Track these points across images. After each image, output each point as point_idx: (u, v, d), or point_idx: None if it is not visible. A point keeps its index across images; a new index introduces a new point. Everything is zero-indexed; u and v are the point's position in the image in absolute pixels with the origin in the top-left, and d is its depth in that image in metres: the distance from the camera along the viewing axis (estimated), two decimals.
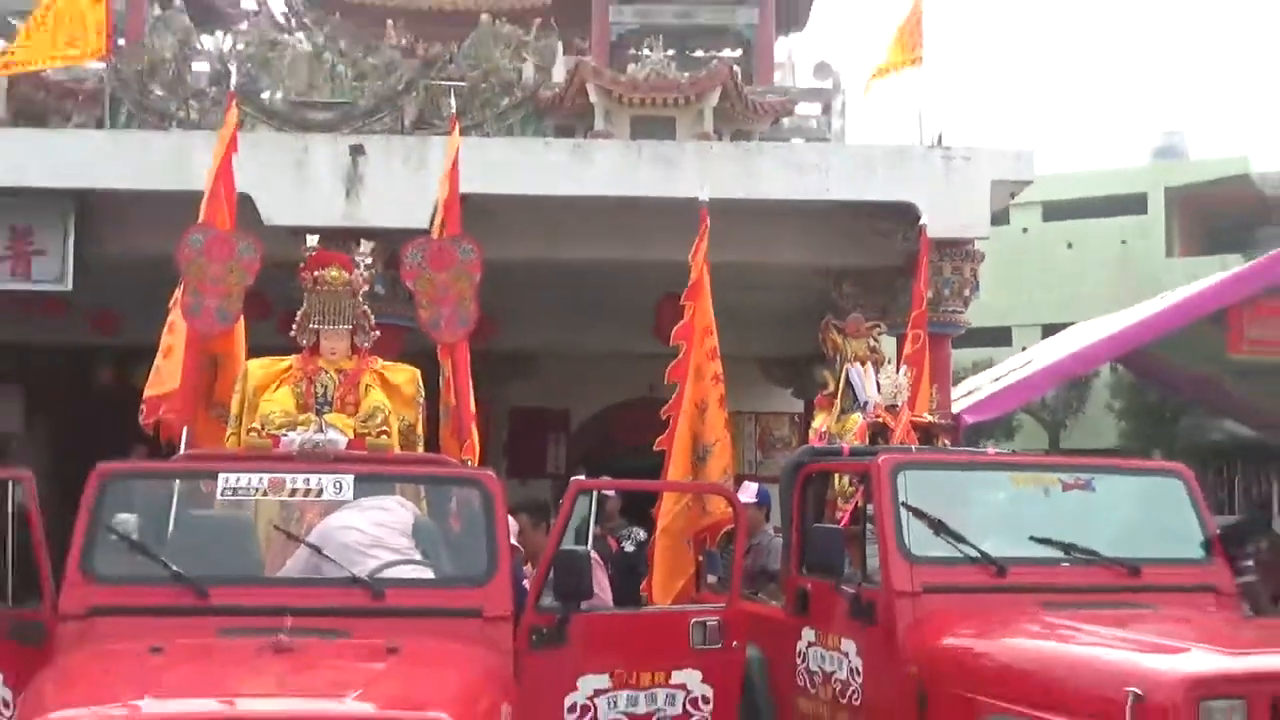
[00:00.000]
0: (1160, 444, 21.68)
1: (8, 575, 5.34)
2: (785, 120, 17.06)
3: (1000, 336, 27.56)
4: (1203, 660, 4.77)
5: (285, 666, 4.52)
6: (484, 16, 16.85)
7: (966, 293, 11.35)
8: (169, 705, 4.15)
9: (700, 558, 8.12)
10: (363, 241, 7.80)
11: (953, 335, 11.72)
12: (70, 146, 11.73)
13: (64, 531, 5.31)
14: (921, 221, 10.04)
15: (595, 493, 6.55)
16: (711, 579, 8.03)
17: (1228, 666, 4.73)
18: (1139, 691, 4.52)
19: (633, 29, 17.64)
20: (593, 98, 15.66)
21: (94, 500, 5.35)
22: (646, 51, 16.57)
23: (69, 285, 11.42)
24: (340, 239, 9.50)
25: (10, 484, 5.62)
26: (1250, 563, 8.97)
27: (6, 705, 5.25)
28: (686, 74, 16.12)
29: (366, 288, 7.39)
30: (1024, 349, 22.52)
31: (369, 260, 7.55)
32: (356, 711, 4.10)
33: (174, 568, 5.19)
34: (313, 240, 7.65)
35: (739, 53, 18.22)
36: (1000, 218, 14.74)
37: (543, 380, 16.98)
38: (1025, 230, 32.23)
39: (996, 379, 17.82)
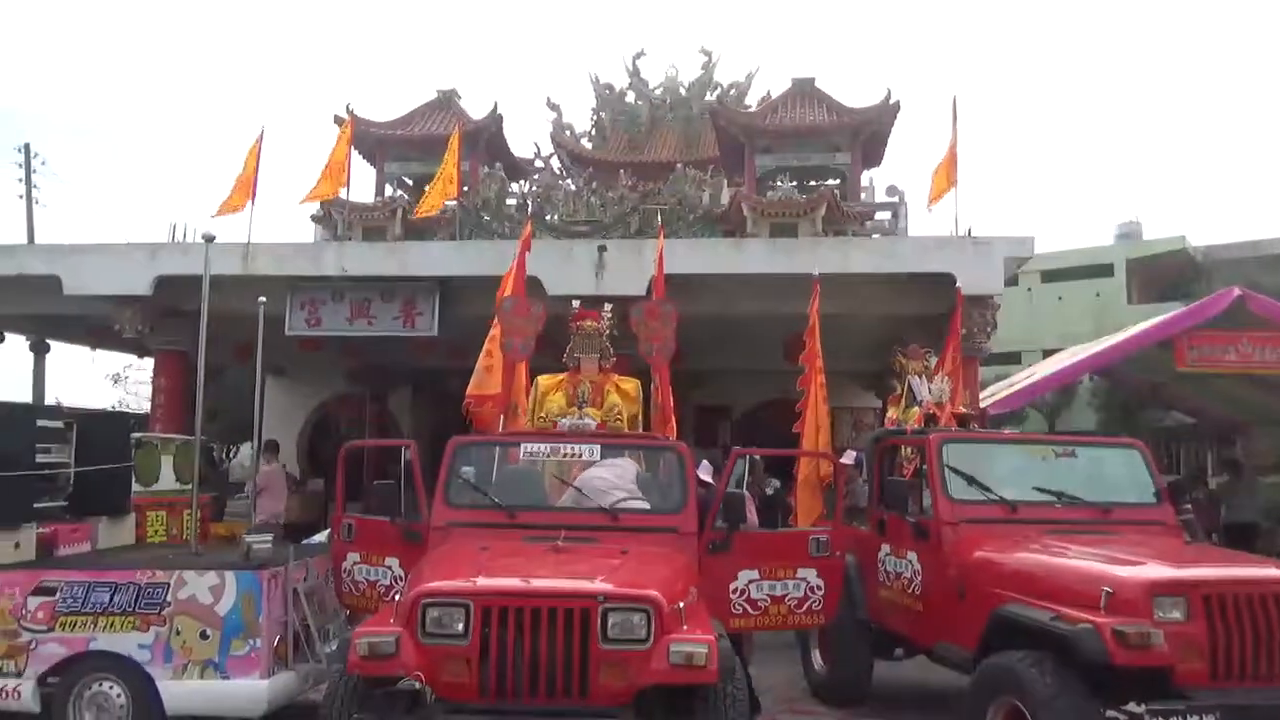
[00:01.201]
0: (1126, 428, 20.46)
1: (401, 502, 5.44)
2: (868, 223, 16.68)
3: (1013, 358, 26.41)
4: (1156, 570, 4.50)
5: (560, 559, 4.59)
6: (679, 166, 16.73)
7: (988, 330, 10.87)
8: (493, 580, 4.20)
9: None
10: (606, 304, 7.89)
11: (979, 358, 11.23)
12: (437, 252, 12.06)
13: (431, 476, 5.43)
14: (957, 285, 9.71)
15: (749, 457, 6.53)
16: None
17: (1173, 574, 4.44)
18: (1109, 589, 4.31)
19: (770, 169, 17.54)
20: (745, 213, 15.42)
21: (450, 458, 5.48)
22: (779, 183, 16.48)
23: (435, 332, 11.70)
24: (592, 302, 9.58)
25: (404, 448, 5.83)
26: (1189, 507, 8.43)
27: (398, 580, 5.34)
28: (804, 196, 16.01)
29: (608, 331, 7.52)
30: (1029, 367, 21.61)
31: (609, 315, 7.62)
32: (602, 587, 4.08)
33: (495, 499, 5.30)
34: (576, 303, 7.83)
35: (838, 181, 18.01)
36: (1011, 281, 14.17)
37: (714, 387, 16.87)
38: (1029, 290, 31.17)
39: (1010, 386, 17.10)
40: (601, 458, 5.59)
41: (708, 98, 21.12)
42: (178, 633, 5.24)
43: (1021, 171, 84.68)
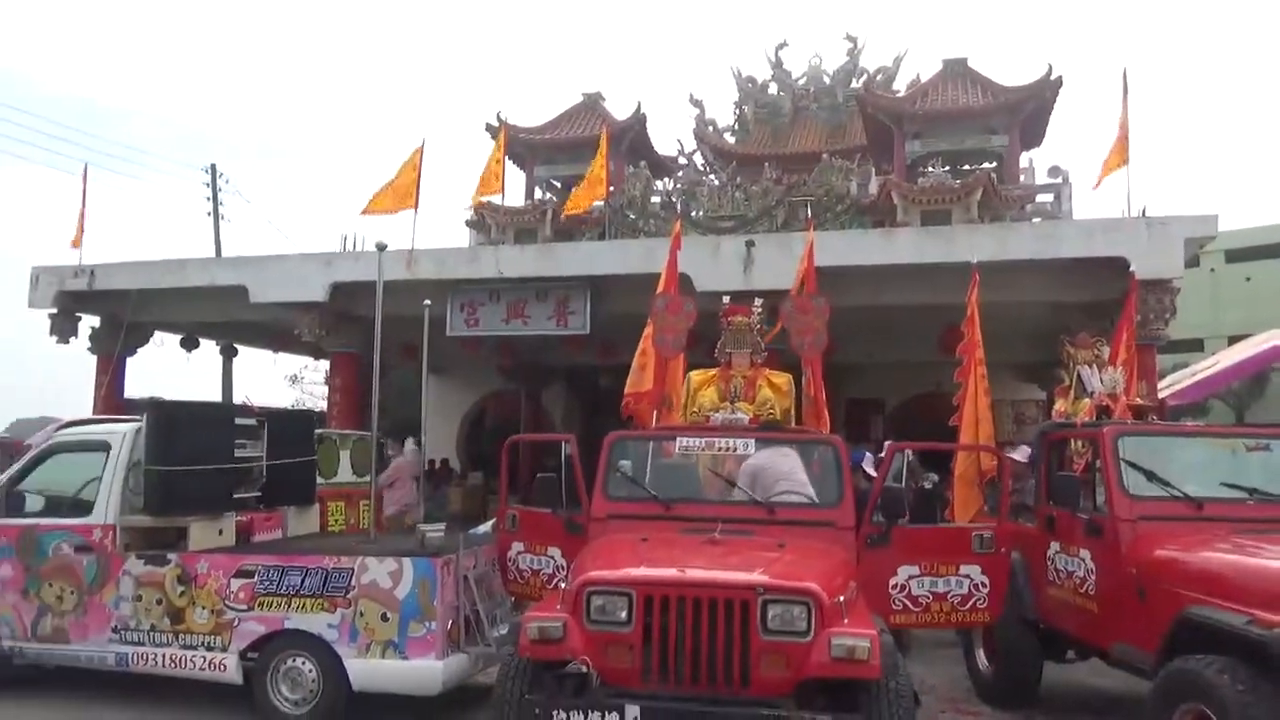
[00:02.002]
0: None
1: (563, 494, 5.57)
2: (1028, 206, 15.93)
3: (1195, 345, 24.60)
4: None
5: (717, 551, 4.60)
6: (824, 156, 16.61)
7: (1166, 316, 10.19)
8: (654, 570, 4.31)
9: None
10: (756, 299, 7.88)
11: (1155, 345, 10.56)
12: (587, 252, 12.37)
13: (589, 469, 5.53)
14: (1131, 269, 9.14)
15: (906, 451, 6.39)
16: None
17: None
18: None
19: (920, 155, 17.05)
20: (896, 201, 15.03)
21: (608, 452, 5.58)
22: (931, 169, 15.97)
23: (587, 330, 12.05)
24: (742, 298, 9.58)
25: (564, 442, 5.91)
26: None
27: (560, 569, 5.50)
28: (958, 181, 15.48)
29: (759, 326, 7.51)
30: (1212, 355, 20.03)
31: (760, 310, 7.64)
32: (760, 579, 4.10)
33: (652, 492, 5.39)
34: (727, 299, 7.85)
35: (994, 164, 17.30)
36: (1193, 261, 13.22)
37: (867, 380, 16.55)
38: (1212, 270, 28.84)
39: (1192, 375, 16.00)
40: (754, 452, 5.57)
41: (853, 85, 20.70)
42: (361, 614, 5.62)
43: (1199, 144, 78.50)
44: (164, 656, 5.94)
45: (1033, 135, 17.00)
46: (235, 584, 5.87)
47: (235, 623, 5.84)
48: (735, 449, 5.65)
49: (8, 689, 6.35)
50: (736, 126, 21.91)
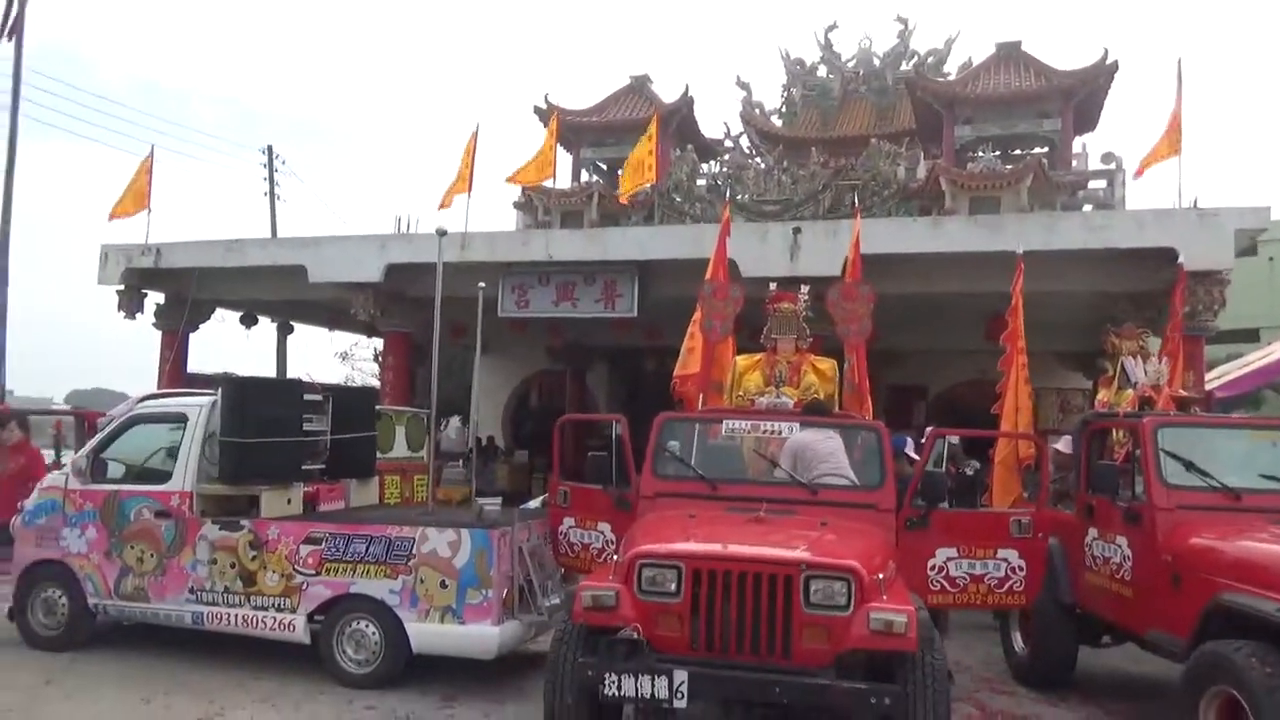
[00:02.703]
0: None
1: (613, 471, 5.80)
2: (1080, 193, 15.78)
3: (1251, 335, 24.10)
4: None
5: (762, 529, 4.79)
6: (873, 140, 16.49)
7: (1215, 308, 10.10)
8: (702, 545, 4.50)
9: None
10: (802, 286, 8.02)
11: (1205, 337, 10.46)
12: (635, 236, 12.50)
13: (637, 448, 5.73)
14: (1179, 260, 9.10)
15: (947, 437, 6.52)
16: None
17: None
18: None
19: (970, 140, 16.95)
20: (944, 187, 14.93)
21: (658, 433, 5.78)
22: (981, 154, 15.82)
23: (634, 313, 12.23)
24: (788, 284, 9.67)
25: (614, 422, 6.13)
26: None
27: (609, 543, 5.75)
28: (1008, 167, 15.34)
29: (804, 312, 7.68)
30: (1267, 345, 19.62)
31: (805, 297, 7.73)
32: (803, 555, 4.27)
33: (699, 472, 5.58)
34: (773, 286, 8.01)
35: (1046, 149, 17.15)
36: (1250, 250, 13.07)
37: (909, 367, 16.57)
38: (1271, 259, 28.07)
39: (1244, 365, 15.74)
40: (801, 431, 5.73)
41: (903, 68, 20.52)
42: (421, 581, 5.94)
43: (1259, 133, 76.17)
44: (236, 617, 6.32)
45: (1086, 120, 16.80)
46: (304, 550, 6.22)
47: (303, 586, 6.19)
48: (779, 432, 5.81)
49: (93, 644, 6.79)
50: (784, 109, 21.86)
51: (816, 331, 7.59)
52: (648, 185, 14.36)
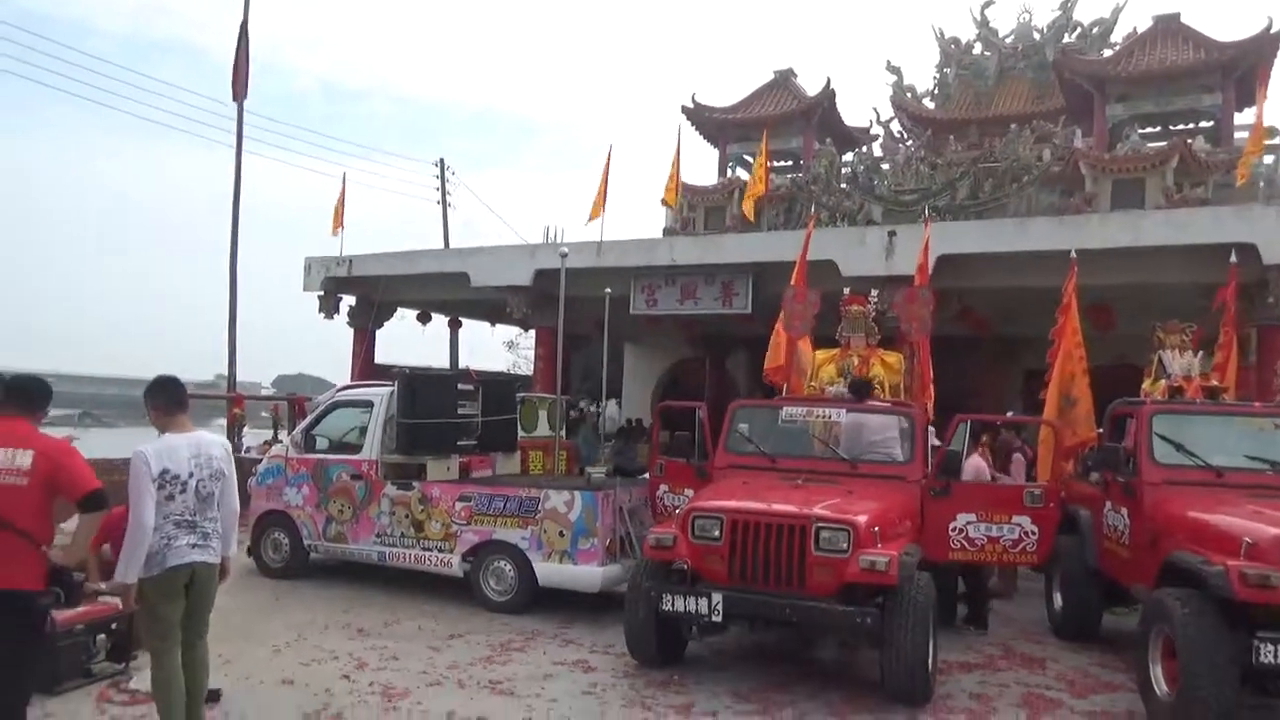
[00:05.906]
0: None
1: (695, 448, 7.24)
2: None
3: None
4: None
5: (795, 493, 5.96)
6: (1013, 126, 16.36)
7: None
8: (741, 503, 5.77)
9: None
10: (872, 290, 9.00)
11: None
12: (750, 241, 13.46)
13: (714, 429, 7.06)
14: (1231, 260, 8.97)
15: (969, 421, 7.43)
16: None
17: None
18: (1250, 540, 4.97)
19: (1123, 119, 16.35)
20: (1083, 171, 14.93)
21: (731, 417, 7.10)
22: (1129, 135, 15.58)
23: (749, 310, 13.12)
24: (884, 283, 10.34)
25: (697, 408, 7.54)
26: None
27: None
28: (1153, 148, 14.96)
29: (874, 314, 8.73)
30: None
31: (875, 300, 8.78)
32: (815, 512, 5.45)
33: (762, 449, 6.83)
34: (846, 291, 9.06)
35: (1210, 124, 16.28)
36: None
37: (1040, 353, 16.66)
38: None
39: None
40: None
41: (1066, 40, 19.76)
42: (545, 531, 7.54)
43: None
44: (410, 556, 8.14)
45: (1249, 94, 15.96)
46: (459, 506, 7.95)
47: (458, 533, 7.93)
48: (829, 416, 7.03)
49: (307, 574, 8.83)
50: (936, 91, 21.46)
51: (890, 329, 8.59)
52: (785, 178, 14.69)
